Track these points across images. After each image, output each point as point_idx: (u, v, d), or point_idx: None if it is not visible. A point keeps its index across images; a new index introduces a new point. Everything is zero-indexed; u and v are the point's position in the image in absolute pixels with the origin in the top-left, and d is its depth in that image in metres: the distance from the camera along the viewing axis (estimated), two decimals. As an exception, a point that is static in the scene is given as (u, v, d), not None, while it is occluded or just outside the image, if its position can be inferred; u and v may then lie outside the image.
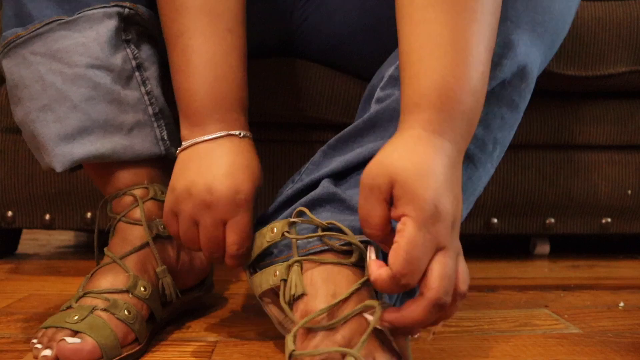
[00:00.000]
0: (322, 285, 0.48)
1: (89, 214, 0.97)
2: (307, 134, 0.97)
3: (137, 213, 0.63)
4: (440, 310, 0.43)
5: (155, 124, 0.67)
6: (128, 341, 0.54)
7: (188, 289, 0.68)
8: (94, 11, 0.62)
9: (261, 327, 0.64)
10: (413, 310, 0.42)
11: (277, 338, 0.60)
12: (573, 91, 0.99)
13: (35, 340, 0.52)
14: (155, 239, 0.62)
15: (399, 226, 0.42)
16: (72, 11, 0.62)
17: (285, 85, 0.92)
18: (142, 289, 0.58)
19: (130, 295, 0.57)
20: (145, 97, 0.66)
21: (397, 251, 0.41)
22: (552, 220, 1.02)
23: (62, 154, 0.62)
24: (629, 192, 1.01)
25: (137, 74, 0.66)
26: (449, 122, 0.44)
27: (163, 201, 0.65)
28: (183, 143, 0.58)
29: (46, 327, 0.53)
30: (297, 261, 0.50)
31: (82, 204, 0.97)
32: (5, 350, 0.56)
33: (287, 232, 0.52)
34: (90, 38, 0.62)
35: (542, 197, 1.00)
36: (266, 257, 0.55)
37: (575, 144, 1.00)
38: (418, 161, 0.42)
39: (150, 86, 0.67)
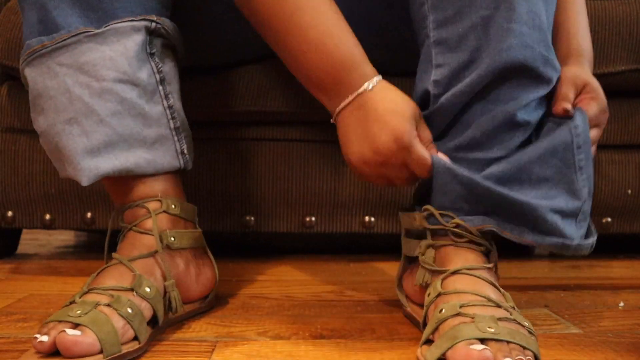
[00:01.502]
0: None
1: (89, 214, 0.97)
2: (306, 132, 0.97)
3: (148, 224, 0.64)
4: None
5: (175, 138, 0.68)
6: (126, 339, 0.54)
7: (191, 302, 0.69)
8: (122, 24, 0.62)
9: (261, 327, 0.64)
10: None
11: (277, 338, 0.60)
12: (573, 91, 0.99)
13: (37, 335, 0.52)
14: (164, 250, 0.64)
15: (586, 100, 0.66)
16: (98, 21, 0.62)
17: (285, 81, 0.92)
18: (146, 289, 0.58)
19: (135, 293, 0.57)
20: (167, 111, 0.67)
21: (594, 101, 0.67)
22: (552, 220, 1.02)
23: (88, 168, 0.62)
24: (629, 191, 1.01)
25: (160, 88, 0.66)
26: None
27: (175, 215, 0.66)
28: (336, 111, 0.63)
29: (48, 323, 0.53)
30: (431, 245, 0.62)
31: (82, 204, 0.97)
32: (5, 350, 0.56)
33: (426, 226, 0.62)
34: (118, 52, 0.62)
35: (542, 197, 1.00)
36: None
37: (576, 143, 1.00)
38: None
39: (172, 100, 0.67)
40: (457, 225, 0.60)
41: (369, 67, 0.63)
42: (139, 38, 0.63)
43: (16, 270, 0.94)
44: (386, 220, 0.99)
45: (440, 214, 0.61)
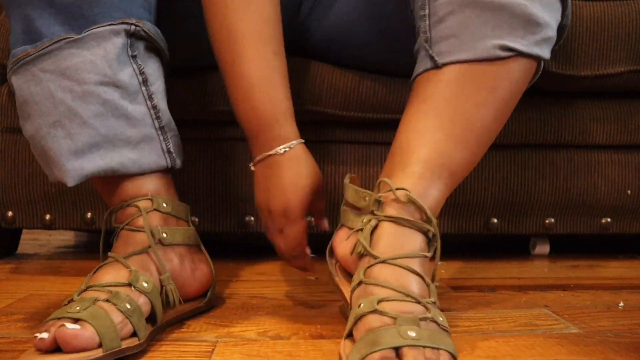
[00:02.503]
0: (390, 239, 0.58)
1: (89, 214, 0.97)
2: (305, 132, 0.96)
3: (140, 221, 0.65)
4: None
5: (161, 137, 0.69)
6: (125, 334, 0.54)
7: (189, 300, 0.69)
8: (101, 29, 0.63)
9: (261, 327, 0.64)
10: None
11: (277, 338, 0.61)
12: (572, 91, 0.99)
13: (37, 333, 0.52)
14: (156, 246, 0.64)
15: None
16: (79, 28, 0.63)
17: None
18: (144, 283, 0.59)
19: (133, 288, 0.58)
20: (152, 111, 0.68)
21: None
22: (552, 220, 1.02)
23: (73, 169, 0.63)
24: (629, 192, 1.02)
25: (143, 88, 0.67)
26: None
27: (166, 213, 0.67)
28: (253, 160, 0.70)
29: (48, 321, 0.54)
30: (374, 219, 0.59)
31: (82, 204, 0.97)
32: (5, 350, 0.56)
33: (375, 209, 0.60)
34: (99, 56, 0.63)
35: (542, 197, 1.00)
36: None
37: (575, 144, 1.01)
38: None
39: (156, 100, 0.68)
40: (410, 201, 0.58)
41: (288, 129, 0.69)
42: (119, 41, 0.64)
43: (16, 270, 0.94)
44: (386, 221, 0.99)
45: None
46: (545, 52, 0.63)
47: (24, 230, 1.19)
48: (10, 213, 0.97)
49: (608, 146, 1.02)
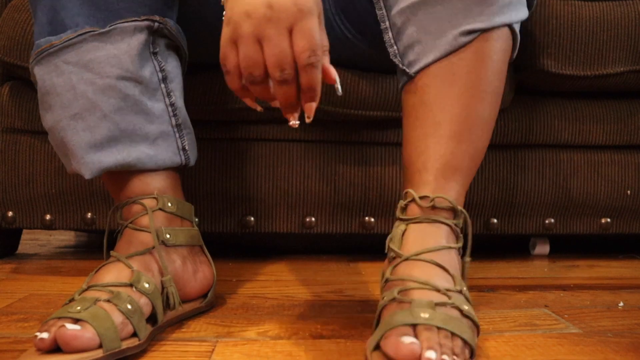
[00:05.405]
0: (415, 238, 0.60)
1: (89, 214, 0.97)
2: (306, 132, 0.97)
3: (144, 220, 0.65)
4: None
5: (177, 135, 0.70)
6: (125, 334, 0.54)
7: (190, 300, 0.69)
8: (126, 24, 0.64)
9: (261, 327, 0.64)
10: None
11: (277, 338, 0.61)
12: (572, 91, 0.99)
13: (38, 333, 0.52)
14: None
15: None
16: (103, 21, 0.64)
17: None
18: (145, 284, 0.59)
19: (134, 289, 0.58)
20: (169, 109, 0.69)
21: None
22: (552, 220, 1.02)
23: (91, 162, 0.64)
24: (629, 192, 1.02)
25: (162, 85, 0.68)
26: None
27: (170, 213, 0.67)
28: None
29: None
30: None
31: (82, 204, 0.97)
32: (5, 350, 0.56)
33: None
34: (122, 50, 0.64)
35: (541, 197, 1.00)
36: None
37: (575, 144, 1.01)
38: None
39: (174, 98, 0.69)
40: (434, 200, 0.60)
41: None
42: (142, 37, 0.65)
43: (16, 270, 0.94)
44: (386, 221, 0.99)
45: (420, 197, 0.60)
46: (512, 16, 0.62)
47: (24, 230, 1.19)
48: (10, 213, 0.97)
49: (608, 146, 1.02)
